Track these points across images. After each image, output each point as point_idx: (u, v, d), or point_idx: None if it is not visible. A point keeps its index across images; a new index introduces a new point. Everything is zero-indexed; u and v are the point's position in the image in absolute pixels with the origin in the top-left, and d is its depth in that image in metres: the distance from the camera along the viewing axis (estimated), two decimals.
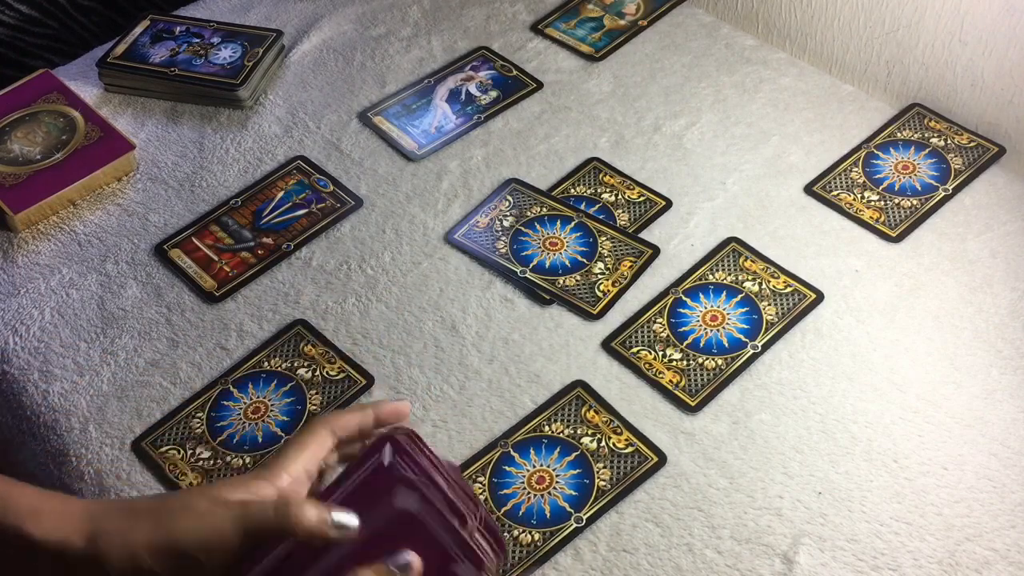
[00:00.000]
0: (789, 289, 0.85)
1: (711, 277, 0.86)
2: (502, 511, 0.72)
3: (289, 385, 0.81)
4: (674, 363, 0.80)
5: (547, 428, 0.77)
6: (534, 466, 0.75)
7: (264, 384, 0.81)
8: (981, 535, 0.70)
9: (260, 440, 0.78)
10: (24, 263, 0.91)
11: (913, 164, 0.94)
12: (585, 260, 0.88)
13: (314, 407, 0.80)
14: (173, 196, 0.96)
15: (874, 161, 0.94)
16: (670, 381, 0.79)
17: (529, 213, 0.92)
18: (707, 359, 0.80)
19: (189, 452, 0.77)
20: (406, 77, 1.07)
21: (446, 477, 0.51)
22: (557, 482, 0.74)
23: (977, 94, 0.96)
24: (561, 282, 0.86)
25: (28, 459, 0.80)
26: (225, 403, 0.80)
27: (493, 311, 0.85)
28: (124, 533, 0.49)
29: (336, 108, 1.04)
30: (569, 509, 0.72)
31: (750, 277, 0.86)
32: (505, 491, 0.73)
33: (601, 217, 0.91)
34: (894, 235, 0.88)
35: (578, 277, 0.87)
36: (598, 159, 0.97)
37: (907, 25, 0.98)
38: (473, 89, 1.04)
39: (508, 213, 0.92)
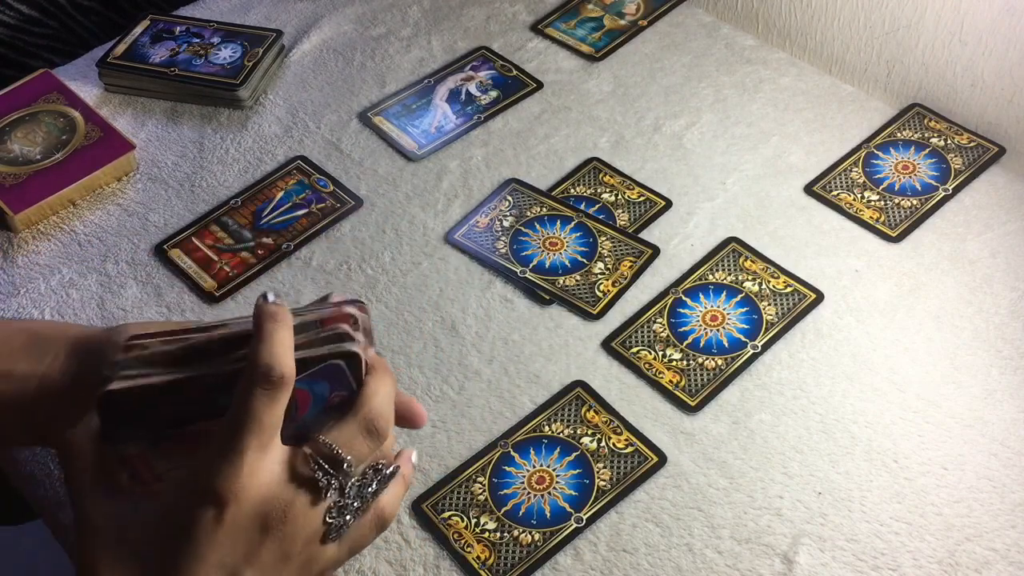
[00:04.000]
0: (789, 289, 0.85)
1: (711, 277, 0.86)
2: (502, 511, 0.72)
3: None
4: (674, 363, 0.80)
5: (547, 428, 0.77)
6: (534, 466, 0.75)
7: None
8: (981, 535, 0.70)
9: None
10: (24, 263, 0.91)
11: (913, 164, 0.94)
12: (585, 260, 0.88)
13: None
14: (173, 196, 0.96)
15: (874, 161, 0.94)
16: (670, 381, 0.79)
17: (529, 213, 0.92)
18: (707, 359, 0.80)
19: None
20: (406, 77, 1.07)
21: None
22: (557, 482, 0.74)
23: (977, 94, 0.96)
24: (561, 282, 0.86)
25: (28, 459, 0.80)
26: None
27: (493, 311, 0.85)
28: None
29: (336, 108, 1.04)
30: (569, 509, 0.72)
31: (750, 277, 0.86)
32: (505, 491, 0.73)
33: (601, 217, 0.91)
34: (894, 235, 0.88)
35: (578, 277, 0.87)
36: (598, 159, 0.97)
37: (907, 25, 0.98)
38: (473, 89, 1.04)
39: (508, 213, 0.92)
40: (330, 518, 0.48)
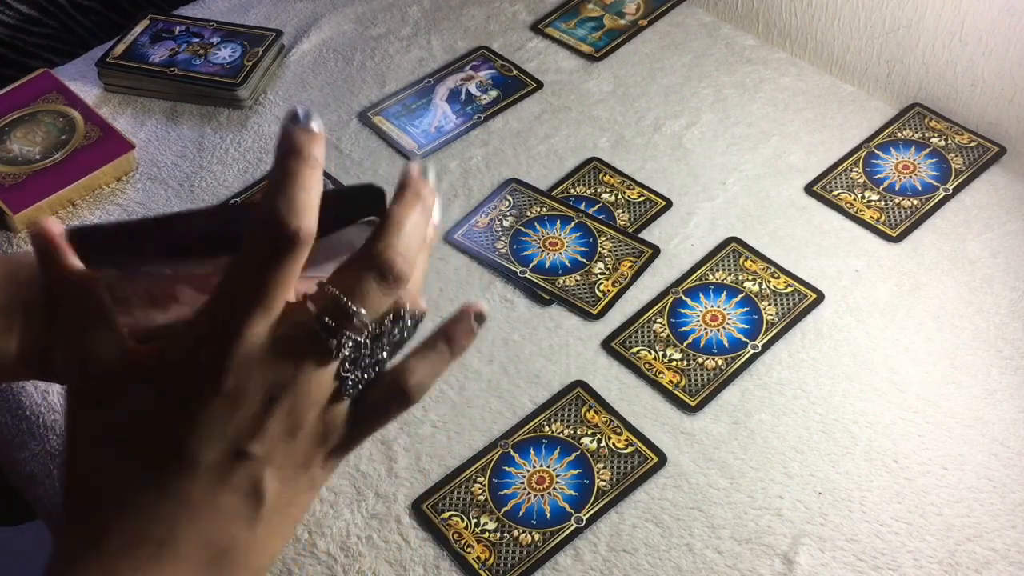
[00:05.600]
0: (789, 289, 0.85)
1: (711, 277, 0.86)
2: (502, 511, 0.72)
3: None
4: (674, 363, 0.80)
5: (547, 428, 0.77)
6: (534, 466, 0.75)
7: None
8: (981, 535, 0.70)
9: None
10: None
11: (913, 164, 0.94)
12: (585, 260, 0.88)
13: None
14: (173, 196, 0.96)
15: (874, 161, 0.94)
16: (670, 381, 0.79)
17: (529, 213, 0.92)
18: (707, 359, 0.80)
19: None
20: (406, 77, 1.07)
21: None
22: (557, 482, 0.74)
23: (977, 94, 0.96)
24: (561, 282, 0.86)
25: (28, 459, 0.80)
26: None
27: (493, 311, 0.85)
28: None
29: (336, 108, 1.04)
30: (569, 509, 0.72)
31: (750, 277, 0.86)
32: (505, 491, 0.73)
33: (601, 217, 0.91)
34: (894, 235, 0.88)
35: (578, 277, 0.87)
36: (598, 159, 0.96)
37: (907, 25, 0.98)
38: (473, 89, 1.04)
39: (508, 213, 0.92)
40: (344, 371, 0.41)
